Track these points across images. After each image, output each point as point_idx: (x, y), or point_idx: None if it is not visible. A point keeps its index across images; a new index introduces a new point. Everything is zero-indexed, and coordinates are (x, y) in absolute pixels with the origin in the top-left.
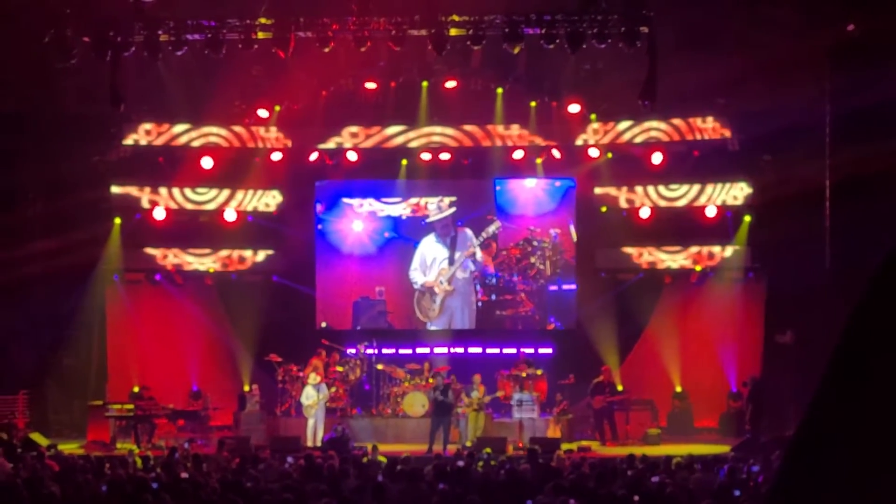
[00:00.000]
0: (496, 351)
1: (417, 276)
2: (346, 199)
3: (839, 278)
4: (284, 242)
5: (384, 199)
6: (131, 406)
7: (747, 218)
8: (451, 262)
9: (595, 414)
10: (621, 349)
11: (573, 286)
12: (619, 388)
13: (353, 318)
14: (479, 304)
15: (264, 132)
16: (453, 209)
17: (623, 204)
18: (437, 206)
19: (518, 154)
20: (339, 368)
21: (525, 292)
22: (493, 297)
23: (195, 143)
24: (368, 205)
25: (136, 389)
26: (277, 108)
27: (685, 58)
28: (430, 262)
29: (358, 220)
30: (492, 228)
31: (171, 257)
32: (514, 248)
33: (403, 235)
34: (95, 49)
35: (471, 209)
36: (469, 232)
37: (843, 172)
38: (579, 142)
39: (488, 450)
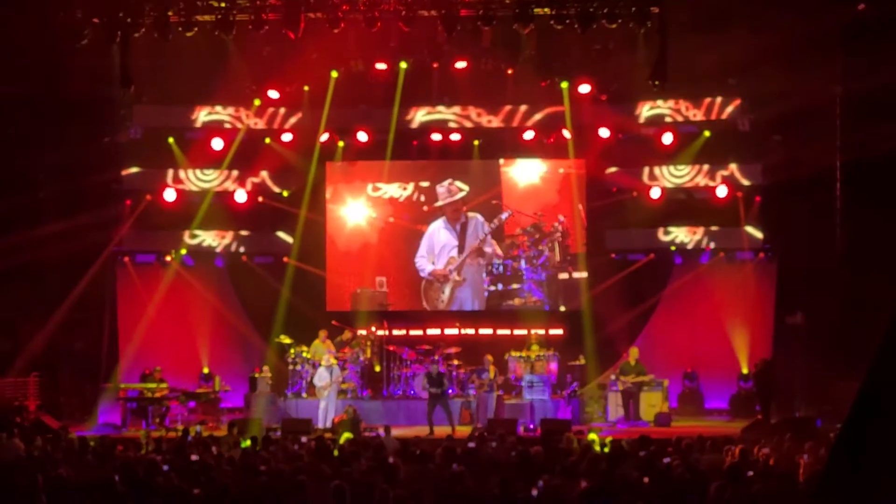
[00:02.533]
0: (507, 332)
1: (424, 264)
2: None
3: (850, 259)
4: (295, 224)
5: (388, 183)
6: (142, 388)
7: (758, 198)
8: (461, 250)
9: (622, 395)
10: (632, 330)
11: (581, 273)
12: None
13: (352, 308)
14: (487, 293)
15: (274, 113)
16: (463, 193)
17: (633, 184)
18: (446, 190)
19: (528, 135)
20: (350, 349)
21: (533, 280)
22: (500, 286)
23: (205, 125)
24: (372, 188)
25: (147, 372)
26: (288, 89)
27: (696, 38)
28: (438, 249)
29: (361, 204)
30: (503, 216)
31: (182, 239)
32: (521, 236)
33: (408, 220)
34: (105, 30)
35: (477, 194)
36: (480, 218)
37: (854, 153)
38: (590, 122)
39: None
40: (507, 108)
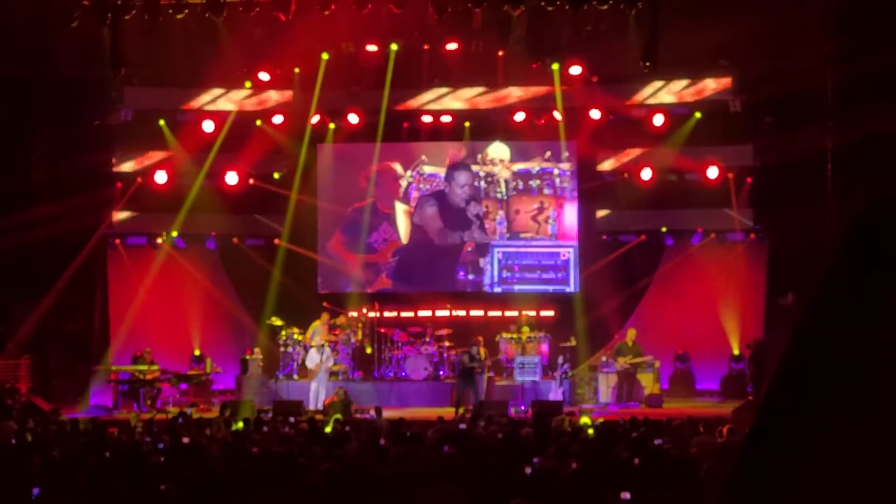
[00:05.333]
0: (498, 313)
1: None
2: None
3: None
4: (286, 206)
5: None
6: (134, 370)
7: (749, 180)
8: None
9: (619, 375)
10: (623, 311)
11: (575, 249)
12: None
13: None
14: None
15: (266, 95)
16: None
17: (624, 166)
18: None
19: (519, 116)
20: (341, 331)
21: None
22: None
23: (196, 107)
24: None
25: (138, 354)
26: (278, 71)
27: (687, 19)
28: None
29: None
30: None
31: (173, 221)
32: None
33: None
34: (95, 12)
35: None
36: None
37: (846, 134)
38: (581, 104)
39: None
40: (499, 89)
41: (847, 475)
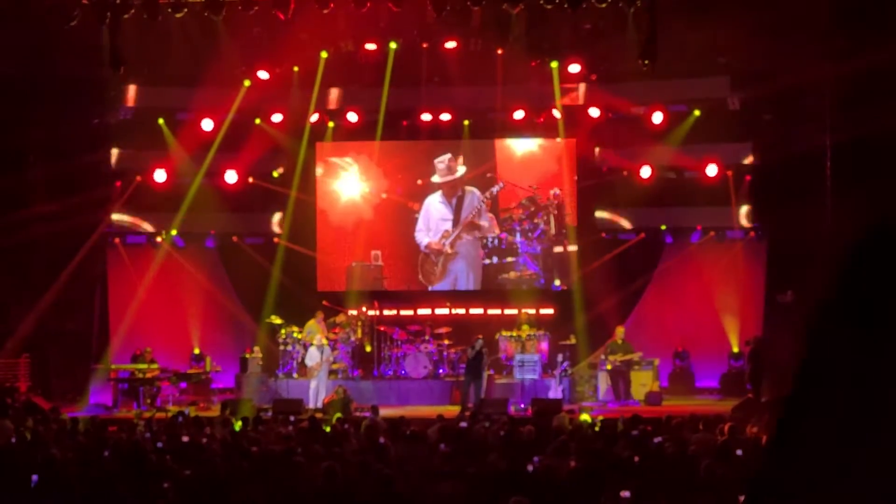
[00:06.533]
0: (497, 312)
1: (422, 238)
2: (341, 159)
3: (839, 238)
4: (285, 205)
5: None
6: (133, 369)
7: (748, 178)
8: (456, 224)
9: (611, 374)
10: (622, 309)
11: (574, 247)
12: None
13: (347, 283)
14: (484, 263)
15: (265, 94)
16: (462, 171)
17: (624, 164)
18: (445, 167)
19: (518, 114)
20: (341, 329)
21: (528, 254)
22: (495, 259)
23: (195, 106)
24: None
25: (137, 353)
26: (277, 69)
27: (686, 16)
28: (433, 223)
29: (355, 178)
30: (494, 189)
31: (172, 220)
32: (516, 209)
33: (402, 195)
34: (95, 11)
35: (472, 168)
36: (477, 192)
37: (845, 132)
38: (580, 102)
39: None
40: (498, 87)
41: (865, 484)
